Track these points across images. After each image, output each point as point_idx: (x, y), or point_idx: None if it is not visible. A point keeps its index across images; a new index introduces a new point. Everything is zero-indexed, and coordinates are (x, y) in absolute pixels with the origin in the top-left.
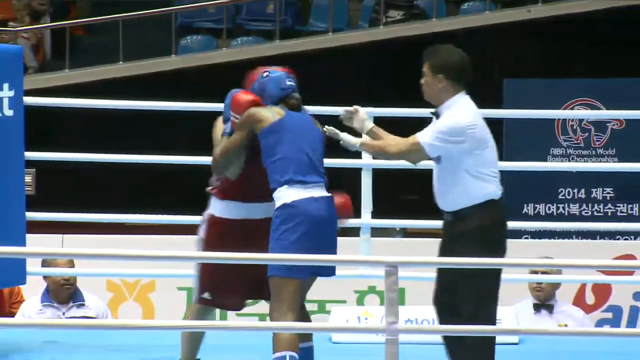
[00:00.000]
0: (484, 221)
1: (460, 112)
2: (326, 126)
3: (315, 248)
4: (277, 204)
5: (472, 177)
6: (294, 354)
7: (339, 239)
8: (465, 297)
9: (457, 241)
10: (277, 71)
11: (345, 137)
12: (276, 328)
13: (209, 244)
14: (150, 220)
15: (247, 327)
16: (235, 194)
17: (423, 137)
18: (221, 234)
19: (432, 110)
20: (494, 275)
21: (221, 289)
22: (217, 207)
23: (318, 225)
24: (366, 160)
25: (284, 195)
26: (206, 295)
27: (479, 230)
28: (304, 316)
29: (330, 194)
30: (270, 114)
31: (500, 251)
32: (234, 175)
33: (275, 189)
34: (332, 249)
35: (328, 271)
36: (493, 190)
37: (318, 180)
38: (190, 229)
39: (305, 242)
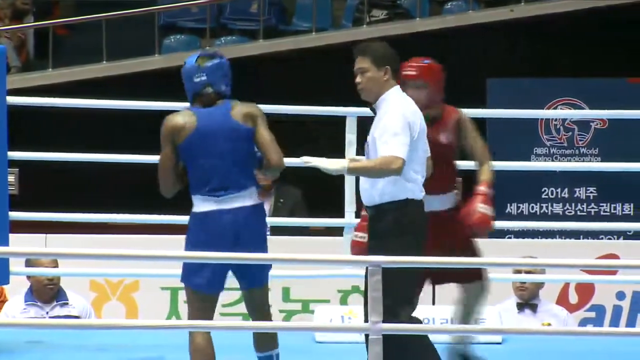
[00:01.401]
0: (401, 220)
1: (400, 103)
2: (302, 157)
3: (216, 268)
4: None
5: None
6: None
7: (322, 238)
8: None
9: (373, 238)
10: (192, 59)
11: (323, 164)
12: (257, 328)
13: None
14: (134, 220)
15: (231, 327)
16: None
17: (400, 151)
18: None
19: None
20: (410, 276)
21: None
22: None
23: (222, 239)
24: None
25: (196, 204)
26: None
27: (396, 228)
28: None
29: (251, 203)
30: (186, 120)
31: (413, 253)
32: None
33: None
34: (238, 266)
35: (221, 288)
36: (417, 190)
37: (233, 192)
38: (174, 229)
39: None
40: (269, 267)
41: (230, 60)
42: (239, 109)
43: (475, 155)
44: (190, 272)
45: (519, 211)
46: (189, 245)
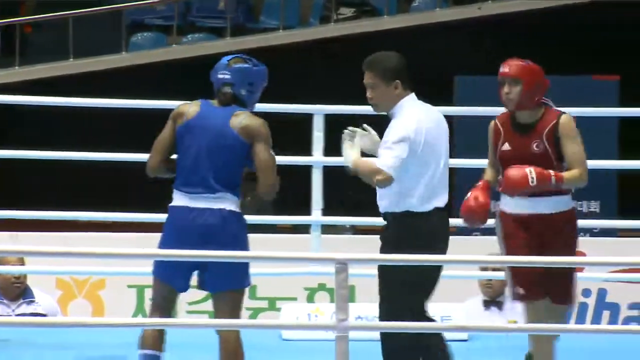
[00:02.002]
0: (400, 231)
1: (411, 113)
2: (349, 128)
3: (171, 263)
4: None
5: (401, 184)
6: (148, 352)
7: (289, 236)
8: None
9: (381, 244)
10: (225, 59)
11: (346, 151)
12: (222, 325)
13: (508, 240)
14: (100, 218)
15: (197, 325)
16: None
17: (389, 165)
18: (509, 230)
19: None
20: (411, 285)
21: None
22: (505, 203)
23: (182, 236)
24: (317, 158)
25: (173, 197)
26: (520, 290)
27: (395, 239)
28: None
29: (222, 208)
30: (190, 109)
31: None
32: (163, 174)
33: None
34: (205, 263)
35: (180, 284)
36: (419, 202)
37: (203, 192)
38: (141, 227)
39: (166, 248)
40: (235, 273)
41: (197, 58)
42: (241, 119)
43: (567, 163)
44: (157, 264)
45: None
46: (161, 237)
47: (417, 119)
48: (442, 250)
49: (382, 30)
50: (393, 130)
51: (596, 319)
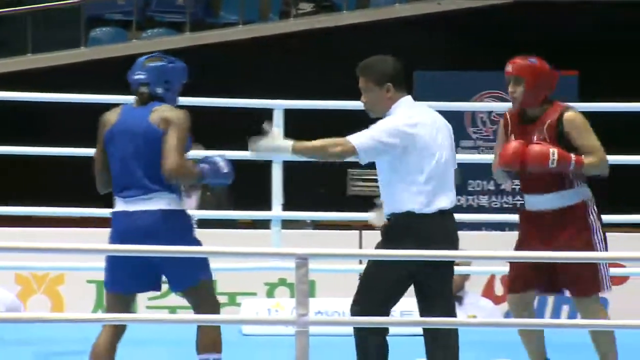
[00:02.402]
0: (396, 232)
1: (401, 112)
2: (251, 150)
3: (118, 263)
4: None
5: (399, 184)
6: None
7: (249, 231)
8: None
9: (380, 242)
10: (141, 59)
11: (273, 139)
12: (180, 321)
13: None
14: (59, 213)
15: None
16: (524, 187)
17: (358, 139)
18: (521, 226)
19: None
20: (386, 280)
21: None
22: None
23: (125, 241)
24: None
25: (114, 203)
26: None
27: (388, 240)
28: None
29: (160, 208)
30: (111, 116)
31: (406, 267)
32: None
33: None
34: (151, 264)
35: (140, 288)
36: (415, 203)
37: (136, 194)
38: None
39: (114, 257)
40: (191, 268)
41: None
42: (161, 111)
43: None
44: (105, 270)
45: None
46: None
47: (408, 116)
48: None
49: (342, 25)
50: (380, 122)
51: (556, 313)
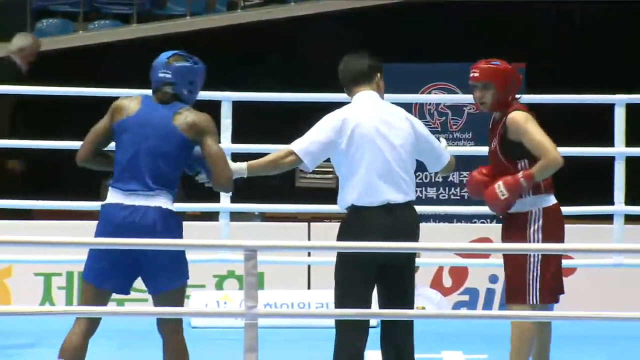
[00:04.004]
0: (342, 227)
1: (345, 107)
2: (198, 177)
3: (108, 258)
4: None
5: (344, 179)
6: None
7: (197, 223)
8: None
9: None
10: (165, 54)
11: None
12: (133, 312)
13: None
14: (12, 206)
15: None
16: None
17: (298, 145)
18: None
19: None
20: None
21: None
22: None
23: (116, 235)
24: (225, 145)
25: (108, 195)
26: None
27: (338, 237)
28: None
29: (157, 206)
30: (131, 105)
31: (349, 261)
32: (92, 166)
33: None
34: (140, 261)
35: (118, 287)
36: (355, 196)
37: (139, 189)
38: (48, 215)
39: (95, 256)
40: (175, 272)
41: (103, 45)
42: (185, 116)
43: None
44: (87, 260)
45: None
46: (95, 236)
47: (345, 113)
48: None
49: (290, 17)
50: (323, 118)
51: (503, 305)
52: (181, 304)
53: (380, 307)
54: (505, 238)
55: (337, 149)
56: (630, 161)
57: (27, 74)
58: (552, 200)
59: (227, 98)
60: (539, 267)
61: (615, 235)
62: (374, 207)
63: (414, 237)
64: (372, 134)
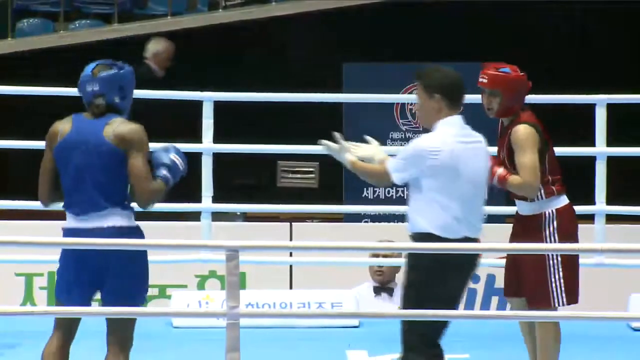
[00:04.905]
0: (419, 255)
1: (434, 134)
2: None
3: (66, 280)
4: None
5: (423, 204)
6: None
7: (179, 223)
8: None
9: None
10: (90, 66)
11: (339, 150)
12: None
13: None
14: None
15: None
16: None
17: (391, 165)
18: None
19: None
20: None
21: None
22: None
23: (77, 259)
24: (206, 145)
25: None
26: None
27: (413, 259)
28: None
29: (112, 225)
30: (63, 127)
31: (424, 287)
32: (58, 201)
33: None
34: (101, 275)
35: (78, 303)
36: (440, 225)
37: (89, 210)
38: (25, 215)
39: (60, 271)
40: (131, 290)
41: (84, 45)
42: (114, 127)
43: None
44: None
45: (376, 195)
46: (59, 262)
47: (441, 140)
48: (458, 279)
49: (271, 17)
50: (413, 142)
51: (485, 305)
52: (128, 325)
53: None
54: (523, 236)
55: (421, 172)
56: (612, 161)
57: (161, 77)
58: (564, 200)
59: (208, 98)
60: (560, 269)
61: (597, 235)
62: (452, 239)
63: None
64: (460, 164)
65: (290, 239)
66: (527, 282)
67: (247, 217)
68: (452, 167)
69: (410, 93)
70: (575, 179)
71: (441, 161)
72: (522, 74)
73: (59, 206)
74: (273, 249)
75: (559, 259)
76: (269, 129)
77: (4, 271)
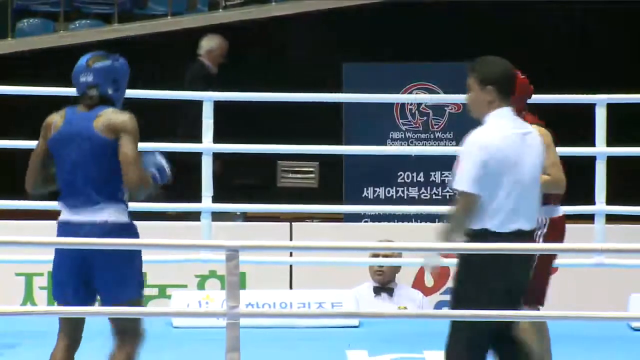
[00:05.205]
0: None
1: (486, 128)
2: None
3: (59, 280)
4: None
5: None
6: None
7: (179, 223)
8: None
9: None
10: (84, 58)
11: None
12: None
13: None
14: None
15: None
16: None
17: (461, 185)
18: None
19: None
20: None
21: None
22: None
23: (66, 252)
24: (206, 145)
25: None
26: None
27: (464, 259)
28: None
29: (105, 220)
30: (57, 119)
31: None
32: (43, 190)
33: None
34: (86, 274)
35: (73, 300)
36: (490, 221)
37: (82, 204)
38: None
39: (55, 269)
40: (129, 283)
41: (84, 45)
42: (105, 118)
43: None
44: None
45: (376, 195)
46: (54, 255)
47: (494, 132)
48: (511, 274)
49: (271, 17)
50: (463, 152)
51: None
52: (137, 319)
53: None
54: None
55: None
56: (612, 161)
57: (215, 74)
58: (559, 211)
59: (208, 98)
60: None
61: (597, 235)
62: (504, 233)
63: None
64: (513, 156)
65: (291, 239)
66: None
67: (247, 217)
68: (506, 159)
69: (411, 93)
70: (575, 179)
71: (495, 154)
72: (523, 77)
73: (43, 194)
74: (273, 249)
75: (536, 262)
76: (269, 129)
77: (4, 271)
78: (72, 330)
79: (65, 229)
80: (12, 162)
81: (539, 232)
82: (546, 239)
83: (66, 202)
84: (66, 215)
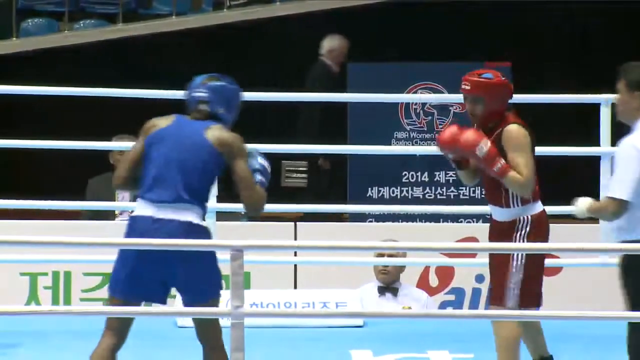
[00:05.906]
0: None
1: (638, 134)
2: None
3: (133, 273)
4: None
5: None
6: None
7: None
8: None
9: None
10: (198, 79)
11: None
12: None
13: None
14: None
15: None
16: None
17: (620, 193)
18: None
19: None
20: None
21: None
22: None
23: (142, 250)
24: None
25: (136, 207)
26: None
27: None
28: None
29: (188, 220)
30: (163, 121)
31: None
32: (130, 189)
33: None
34: (167, 277)
35: (154, 297)
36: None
37: (170, 200)
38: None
39: (123, 260)
40: (211, 281)
41: (89, 44)
42: (217, 132)
43: None
44: (113, 276)
45: (380, 195)
46: (120, 250)
47: None
48: None
49: (275, 17)
50: (619, 157)
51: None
52: (213, 322)
53: None
54: (494, 241)
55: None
56: None
57: (337, 74)
58: (539, 207)
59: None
60: (521, 272)
61: (601, 234)
62: None
63: None
64: None
65: (295, 239)
66: (491, 281)
67: (252, 217)
68: None
69: (415, 92)
70: (578, 179)
71: None
72: (504, 78)
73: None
74: (278, 248)
75: (523, 261)
76: (273, 129)
77: (8, 271)
78: (122, 330)
79: (146, 222)
80: (15, 162)
81: (521, 232)
82: (529, 238)
83: (151, 196)
84: (148, 211)
